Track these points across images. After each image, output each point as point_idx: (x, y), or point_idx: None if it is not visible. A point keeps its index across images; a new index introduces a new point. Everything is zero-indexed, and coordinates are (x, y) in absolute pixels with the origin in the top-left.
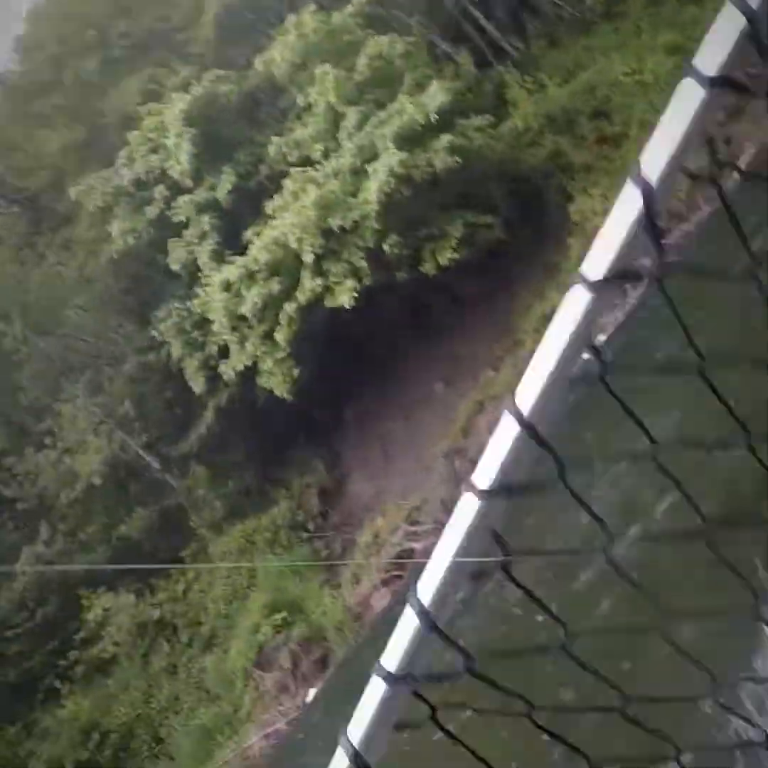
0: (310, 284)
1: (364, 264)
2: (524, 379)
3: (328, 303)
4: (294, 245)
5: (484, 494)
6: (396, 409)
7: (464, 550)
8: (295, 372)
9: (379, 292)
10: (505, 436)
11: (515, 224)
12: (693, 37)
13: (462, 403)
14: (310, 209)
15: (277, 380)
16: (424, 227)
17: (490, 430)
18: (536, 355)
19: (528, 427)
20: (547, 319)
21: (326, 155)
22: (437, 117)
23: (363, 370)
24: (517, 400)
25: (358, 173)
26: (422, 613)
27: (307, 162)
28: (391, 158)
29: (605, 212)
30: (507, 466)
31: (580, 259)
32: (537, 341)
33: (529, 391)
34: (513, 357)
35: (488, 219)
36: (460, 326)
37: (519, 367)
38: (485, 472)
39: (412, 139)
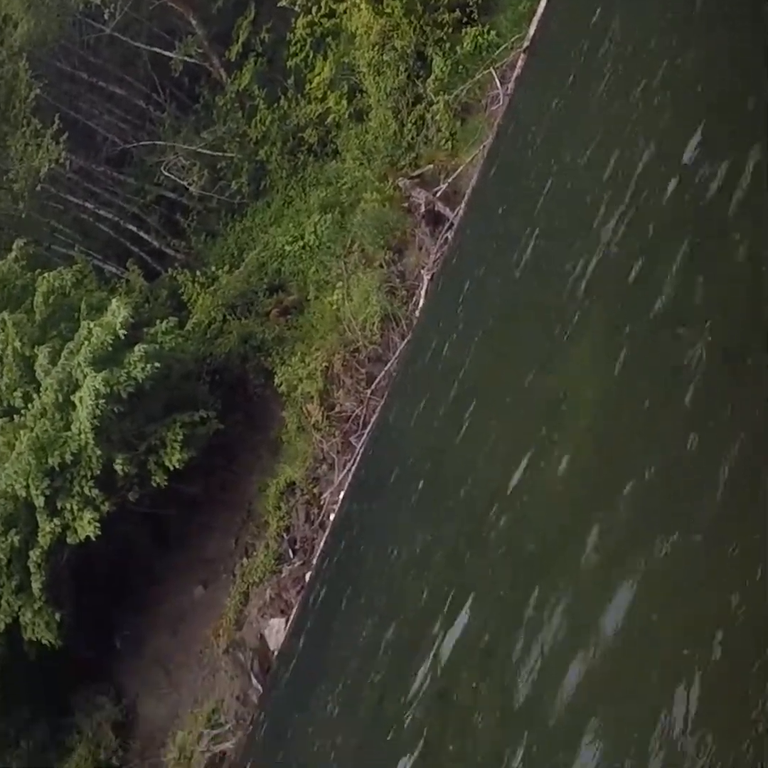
0: (48, 526)
1: (97, 492)
2: None
3: (72, 539)
4: (22, 493)
5: None
6: (163, 625)
7: None
8: (58, 616)
9: (118, 517)
10: None
11: (229, 413)
12: (343, 189)
13: (226, 598)
14: (27, 455)
15: (41, 630)
16: (144, 441)
17: (262, 615)
18: None
19: None
20: (283, 494)
21: (29, 399)
22: (125, 332)
23: (121, 596)
24: None
25: (65, 407)
26: None
27: (11, 411)
28: (93, 382)
29: (309, 376)
30: None
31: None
32: (280, 518)
33: None
34: (262, 539)
35: (202, 414)
36: (202, 527)
37: (271, 547)
38: None
39: (107, 359)
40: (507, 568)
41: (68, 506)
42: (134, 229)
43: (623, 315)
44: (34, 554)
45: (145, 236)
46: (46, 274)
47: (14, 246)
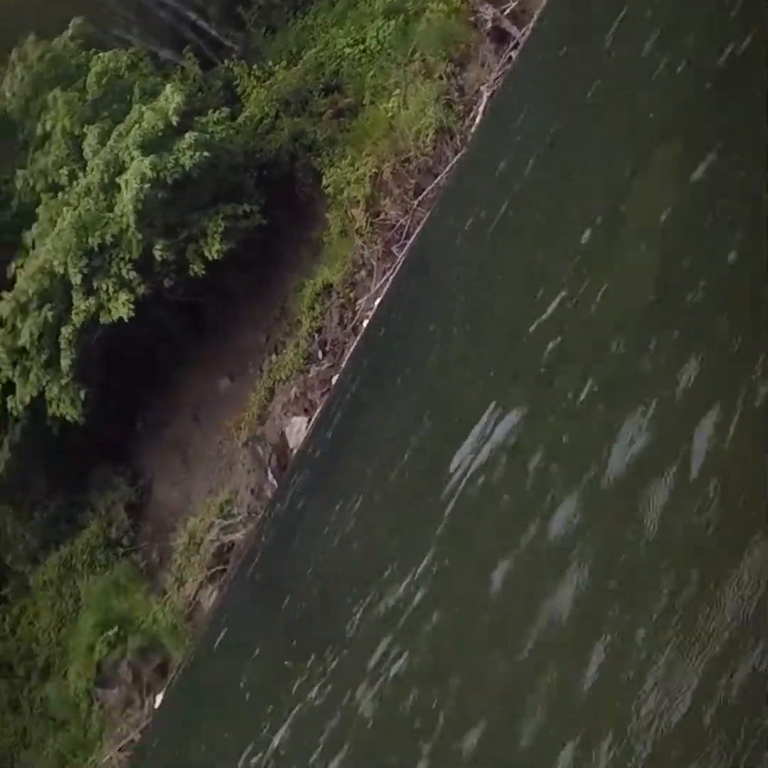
0: (83, 305)
1: (134, 274)
2: None
3: (105, 319)
4: (60, 270)
5: None
6: (185, 412)
7: None
8: (82, 394)
9: (152, 302)
10: None
11: (273, 210)
12: None
13: (251, 392)
14: (68, 232)
15: (66, 406)
16: (185, 229)
17: (285, 413)
18: None
19: None
20: (319, 296)
21: (74, 177)
22: (177, 119)
23: (148, 380)
24: None
25: (110, 188)
26: None
27: (55, 188)
28: (140, 165)
29: (357, 180)
30: None
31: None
32: (314, 319)
33: None
34: (293, 338)
35: (245, 208)
36: (235, 320)
37: (301, 347)
38: None
39: (156, 144)
40: (556, 376)
41: (104, 286)
42: (194, 17)
43: (696, 152)
44: (66, 331)
45: (205, 26)
46: (101, 54)
47: (71, 24)
